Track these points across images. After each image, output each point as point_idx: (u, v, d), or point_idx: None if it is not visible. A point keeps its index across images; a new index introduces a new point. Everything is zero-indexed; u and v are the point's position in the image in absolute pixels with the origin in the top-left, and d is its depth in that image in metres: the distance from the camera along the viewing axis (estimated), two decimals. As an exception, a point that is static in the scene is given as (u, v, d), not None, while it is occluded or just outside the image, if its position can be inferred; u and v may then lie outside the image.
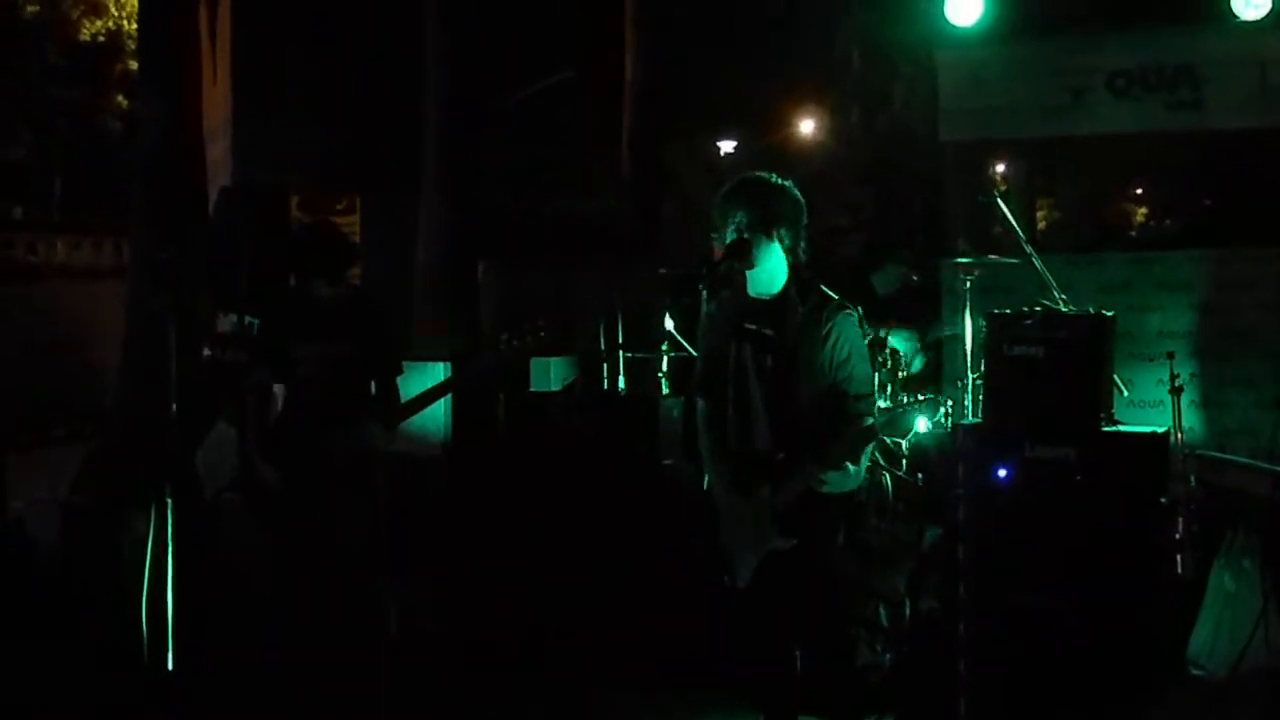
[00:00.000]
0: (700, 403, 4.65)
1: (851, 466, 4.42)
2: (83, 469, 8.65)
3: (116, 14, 23.19)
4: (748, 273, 4.43)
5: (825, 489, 4.36)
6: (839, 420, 4.35)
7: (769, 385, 4.42)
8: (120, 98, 23.31)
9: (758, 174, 4.51)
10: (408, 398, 5.44)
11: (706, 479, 4.67)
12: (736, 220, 4.36)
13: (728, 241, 4.39)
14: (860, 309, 4.53)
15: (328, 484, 5.18)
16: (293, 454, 5.17)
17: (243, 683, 5.41)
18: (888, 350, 6.97)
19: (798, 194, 4.47)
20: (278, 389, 5.43)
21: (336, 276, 5.35)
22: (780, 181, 4.47)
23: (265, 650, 5.30)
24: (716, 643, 5.01)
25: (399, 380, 5.49)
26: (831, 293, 4.47)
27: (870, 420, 4.44)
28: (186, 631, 4.73)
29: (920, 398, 4.74)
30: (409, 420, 5.50)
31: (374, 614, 5.41)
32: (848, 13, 18.44)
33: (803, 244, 4.46)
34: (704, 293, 4.63)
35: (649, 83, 15.51)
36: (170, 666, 4.68)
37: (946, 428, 6.70)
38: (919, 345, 7.55)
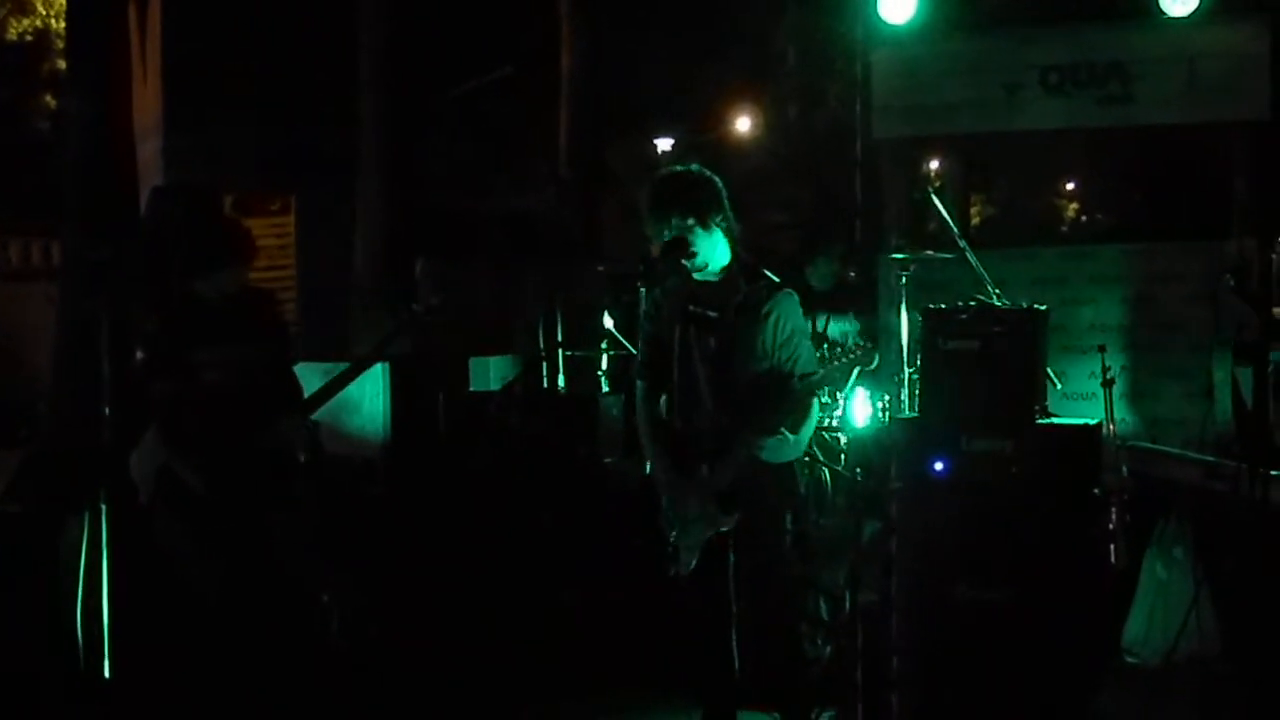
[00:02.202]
0: (640, 384, 4.69)
1: (790, 435, 4.45)
2: (16, 474, 8.50)
3: (44, 12, 22.80)
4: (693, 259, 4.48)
5: (764, 456, 4.39)
6: (779, 398, 4.42)
7: (712, 366, 4.48)
8: (49, 97, 22.95)
9: (670, 172, 4.60)
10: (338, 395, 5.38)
11: (648, 465, 4.71)
12: (673, 221, 4.42)
13: (668, 239, 4.43)
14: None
15: (252, 486, 5.10)
16: (213, 459, 5.08)
17: (181, 690, 5.34)
18: (825, 344, 7.02)
19: (710, 174, 4.56)
20: None
21: (227, 274, 5.21)
22: (693, 169, 4.56)
23: (204, 656, 5.24)
24: (656, 638, 5.02)
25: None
26: (773, 276, 4.54)
27: (813, 399, 4.50)
28: (123, 638, 4.68)
29: (856, 349, 4.72)
30: (348, 422, 5.46)
31: (315, 618, 5.37)
32: (784, 10, 18.53)
33: (732, 220, 4.53)
34: (643, 291, 4.67)
35: (586, 80, 15.49)
36: (107, 674, 4.63)
37: (884, 422, 6.75)
38: (858, 328, 7.60)
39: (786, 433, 4.44)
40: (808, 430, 4.59)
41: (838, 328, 7.43)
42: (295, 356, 5.47)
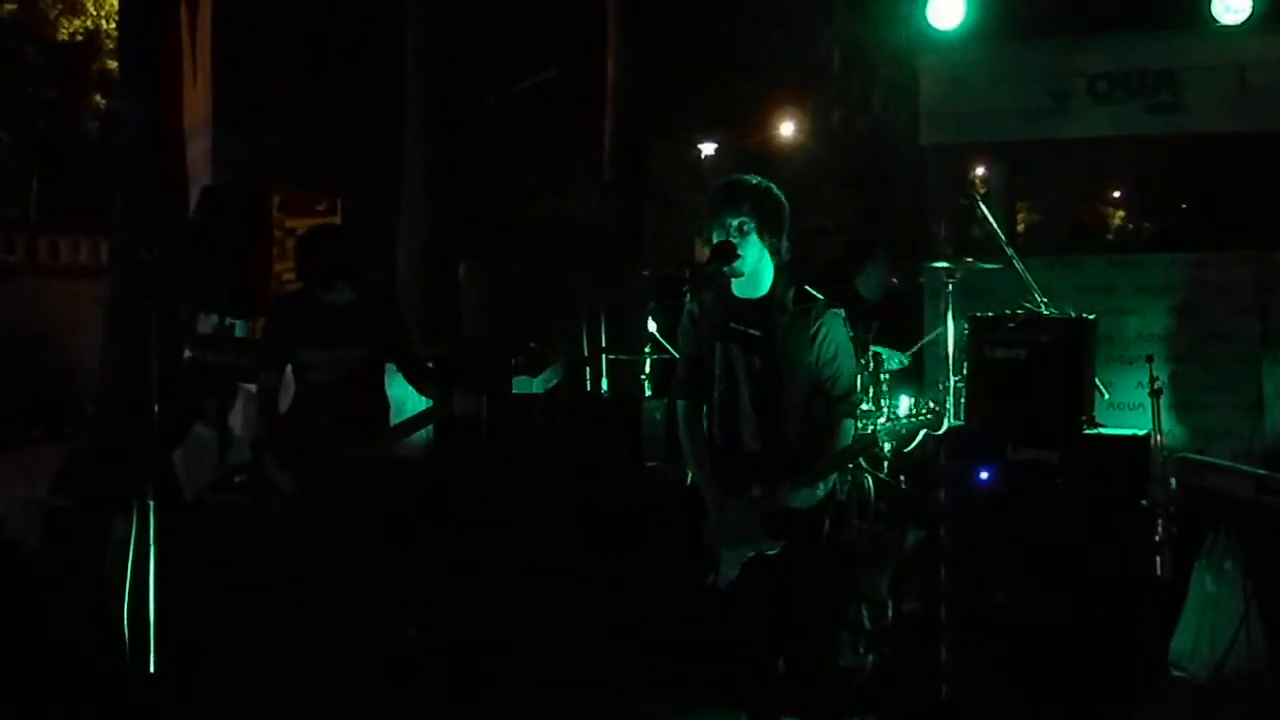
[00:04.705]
0: (681, 404, 4.66)
1: (822, 487, 4.43)
2: (63, 469, 8.60)
3: (95, 13, 23.10)
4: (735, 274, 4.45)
5: (792, 504, 4.37)
6: (824, 423, 4.41)
7: (757, 386, 4.44)
8: (98, 97, 23.22)
9: (747, 176, 4.52)
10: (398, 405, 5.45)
11: (690, 475, 4.69)
12: (730, 222, 4.37)
13: (716, 242, 4.40)
14: (844, 310, 4.56)
15: (343, 490, 5.16)
16: (308, 459, 5.14)
17: (223, 685, 5.38)
18: (870, 353, 6.98)
19: (783, 197, 4.50)
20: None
21: (349, 282, 5.29)
22: (769, 184, 4.49)
23: (246, 653, 5.28)
24: (700, 644, 5.01)
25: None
26: (816, 293, 4.51)
27: (851, 424, 4.47)
28: (168, 634, 4.72)
29: (927, 411, 4.75)
30: (391, 422, 5.50)
31: (359, 618, 5.39)
32: (829, 15, 18.48)
33: (785, 245, 4.49)
34: (688, 295, 4.64)
35: (631, 84, 15.49)
36: (152, 668, 4.67)
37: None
38: (901, 358, 7.56)
39: (820, 485, 4.42)
40: (835, 474, 4.56)
41: (893, 358, 7.38)
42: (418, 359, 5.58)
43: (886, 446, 6.45)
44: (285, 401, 5.43)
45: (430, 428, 7.44)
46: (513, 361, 5.51)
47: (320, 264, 5.29)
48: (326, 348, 5.20)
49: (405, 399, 7.35)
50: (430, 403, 5.51)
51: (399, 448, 5.61)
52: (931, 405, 5.20)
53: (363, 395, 5.29)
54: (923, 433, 5.96)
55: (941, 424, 4.73)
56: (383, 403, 5.43)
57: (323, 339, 5.20)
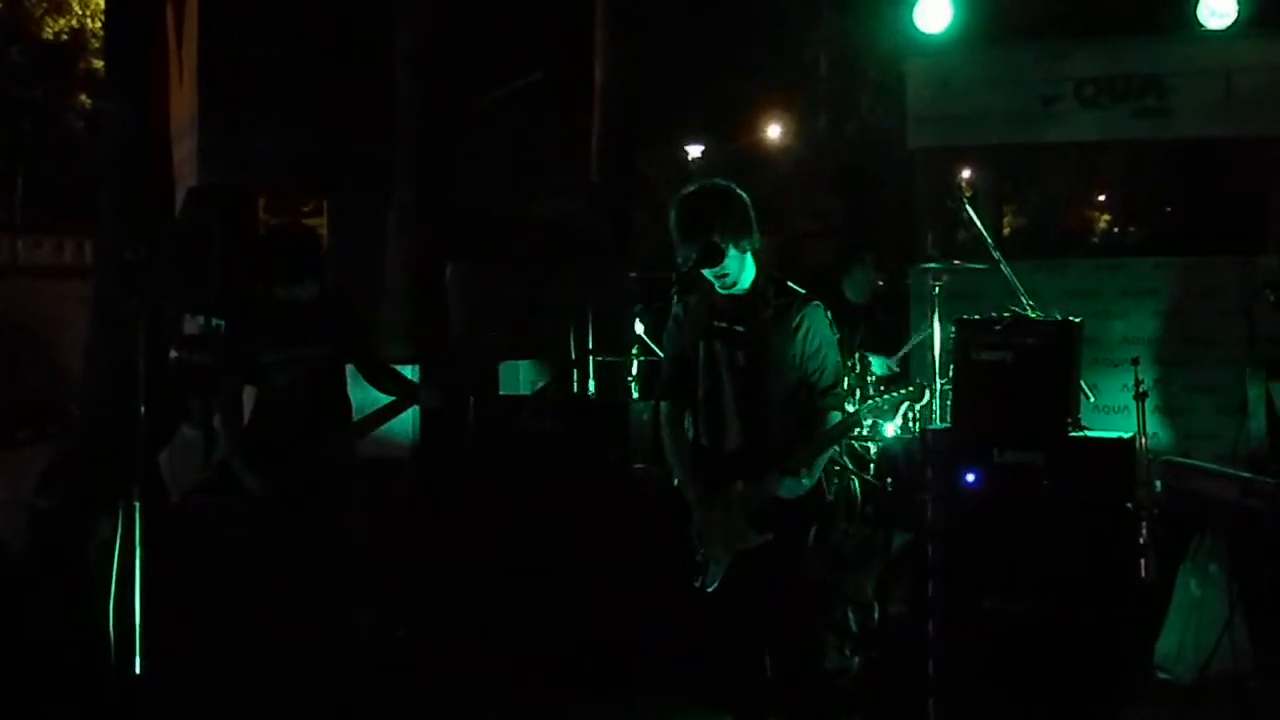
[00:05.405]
0: (665, 405, 4.66)
1: (807, 480, 4.41)
2: (48, 470, 8.57)
3: (80, 12, 23.02)
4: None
5: (781, 493, 4.36)
6: (809, 416, 4.41)
7: (740, 382, 4.44)
8: (83, 97, 23.14)
9: (696, 191, 4.48)
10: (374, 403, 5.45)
11: (676, 477, 4.70)
12: (702, 237, 4.33)
13: (697, 251, 4.38)
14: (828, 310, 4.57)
15: (311, 490, 5.15)
16: (274, 460, 5.13)
17: (210, 687, 5.38)
18: (856, 356, 7.00)
19: (735, 189, 4.47)
20: (247, 394, 5.39)
21: (315, 279, 5.29)
22: (718, 185, 4.47)
23: (234, 654, 5.27)
24: (687, 646, 5.02)
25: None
26: (798, 288, 4.51)
27: (838, 416, 4.46)
28: (154, 635, 4.71)
29: (907, 389, 4.75)
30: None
31: (344, 618, 5.39)
32: (817, 19, 18.50)
33: (757, 236, 4.46)
34: (674, 297, 4.65)
35: (619, 86, 15.50)
36: (138, 670, 4.66)
37: (915, 432, 6.73)
38: (889, 364, 7.59)
39: (805, 475, 4.39)
40: (822, 463, 4.54)
41: (880, 363, 7.40)
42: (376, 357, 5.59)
43: (868, 424, 6.43)
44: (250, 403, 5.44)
45: (418, 430, 7.47)
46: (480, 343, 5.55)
47: (286, 260, 5.29)
48: (286, 347, 5.20)
49: (379, 402, 7.37)
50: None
51: (370, 445, 5.60)
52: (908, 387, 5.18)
53: (324, 395, 5.29)
54: (904, 406, 5.93)
55: (923, 396, 4.73)
56: (344, 402, 5.42)
57: (283, 339, 5.20)
